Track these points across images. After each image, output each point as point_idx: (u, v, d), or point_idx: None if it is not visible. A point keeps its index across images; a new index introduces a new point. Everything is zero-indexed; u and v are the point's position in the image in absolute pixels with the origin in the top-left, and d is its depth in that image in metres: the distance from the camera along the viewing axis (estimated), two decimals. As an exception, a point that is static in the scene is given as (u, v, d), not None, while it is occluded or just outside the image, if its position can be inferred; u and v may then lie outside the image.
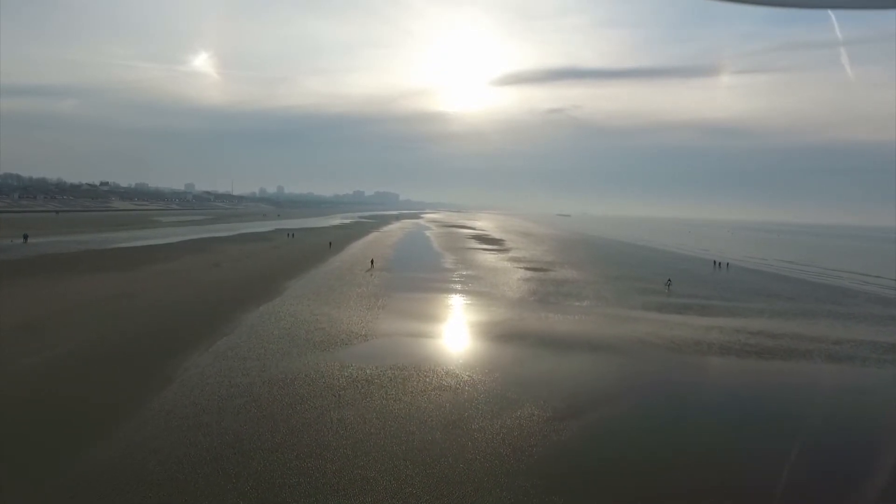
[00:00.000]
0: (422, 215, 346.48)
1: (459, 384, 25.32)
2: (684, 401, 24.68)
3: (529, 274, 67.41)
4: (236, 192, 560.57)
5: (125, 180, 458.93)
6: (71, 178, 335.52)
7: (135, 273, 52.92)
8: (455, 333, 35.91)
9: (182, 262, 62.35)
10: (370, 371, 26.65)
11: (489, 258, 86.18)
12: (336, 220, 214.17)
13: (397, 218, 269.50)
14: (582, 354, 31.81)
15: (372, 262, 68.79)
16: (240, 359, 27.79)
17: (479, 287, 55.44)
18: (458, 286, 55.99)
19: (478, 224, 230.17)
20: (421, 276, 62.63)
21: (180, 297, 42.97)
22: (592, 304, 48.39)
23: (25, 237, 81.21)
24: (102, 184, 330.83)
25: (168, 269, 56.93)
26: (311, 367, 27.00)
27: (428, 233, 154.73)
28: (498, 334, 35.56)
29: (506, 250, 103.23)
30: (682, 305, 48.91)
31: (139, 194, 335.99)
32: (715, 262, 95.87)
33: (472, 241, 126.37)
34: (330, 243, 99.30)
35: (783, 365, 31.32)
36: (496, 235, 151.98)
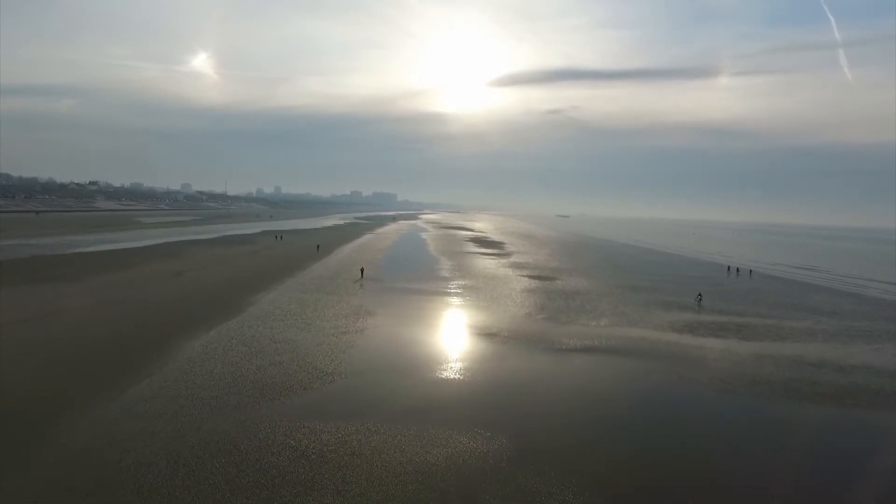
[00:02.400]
0: (420, 216, 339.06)
1: (450, 460, 17.93)
2: (776, 491, 17.25)
3: (534, 284, 60.04)
4: (233, 193, 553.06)
5: (123, 180, 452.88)
6: (69, 177, 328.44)
7: (74, 286, 45.40)
8: (448, 369, 28.46)
9: (139, 271, 54.80)
10: (327, 437, 19.24)
11: (489, 264, 78.80)
12: (330, 222, 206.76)
13: (394, 219, 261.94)
14: (611, 403, 24.40)
15: (362, 270, 61.29)
16: (151, 417, 20.33)
17: (478, 301, 48.06)
18: (455, 300, 48.62)
19: (476, 226, 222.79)
20: (413, 286, 55.22)
21: (115, 317, 35.48)
22: (612, 323, 41.02)
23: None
24: (91, 183, 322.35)
25: (119, 279, 49.40)
26: (248, 430, 19.58)
27: (425, 235, 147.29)
28: (502, 372, 28.19)
29: (506, 255, 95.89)
30: (717, 326, 41.58)
31: (128, 194, 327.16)
32: (729, 267, 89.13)
33: (471, 244, 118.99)
34: (318, 247, 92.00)
35: (880, 418, 23.97)
36: (496, 238, 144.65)
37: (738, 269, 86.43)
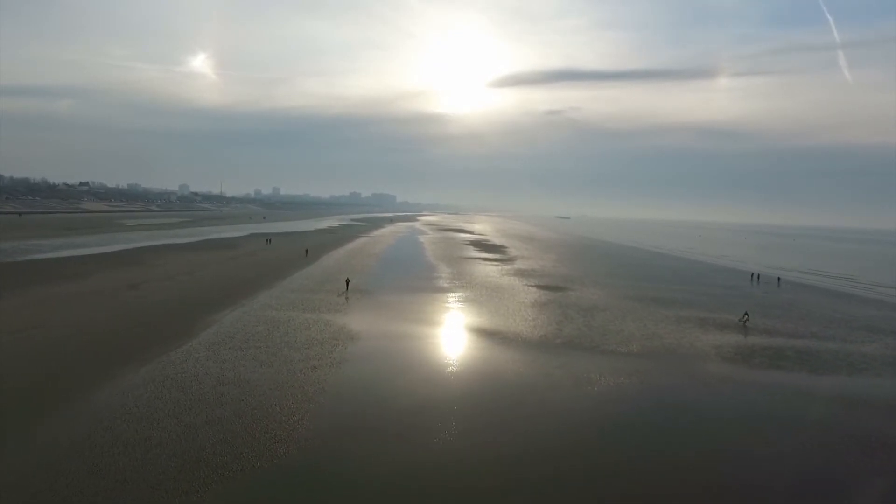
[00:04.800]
0: (418, 218, 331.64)
1: None
2: None
3: (544, 296, 52.73)
4: (231, 193, 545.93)
5: (121, 181, 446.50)
6: (67, 178, 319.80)
7: (1, 303, 38.00)
8: (449, 429, 21.10)
9: (88, 284, 47.26)
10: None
11: (491, 272, 71.48)
12: (326, 224, 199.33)
13: (392, 221, 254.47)
14: (673, 495, 17.10)
15: (347, 281, 53.70)
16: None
17: (483, 320, 40.70)
18: (456, 319, 41.31)
19: (476, 227, 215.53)
20: (407, 300, 47.91)
21: (28, 349, 28.01)
22: (646, 350, 33.70)
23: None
24: (82, 184, 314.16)
25: (59, 294, 41.97)
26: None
27: (422, 238, 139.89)
28: (522, 433, 20.84)
29: (510, 260, 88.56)
30: (773, 352, 34.34)
31: (119, 195, 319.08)
32: (752, 274, 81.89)
33: (471, 248, 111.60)
34: (307, 251, 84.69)
35: None
36: (497, 241, 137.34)
37: (759, 276, 79.41)
